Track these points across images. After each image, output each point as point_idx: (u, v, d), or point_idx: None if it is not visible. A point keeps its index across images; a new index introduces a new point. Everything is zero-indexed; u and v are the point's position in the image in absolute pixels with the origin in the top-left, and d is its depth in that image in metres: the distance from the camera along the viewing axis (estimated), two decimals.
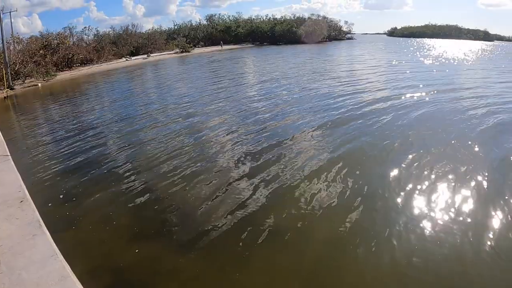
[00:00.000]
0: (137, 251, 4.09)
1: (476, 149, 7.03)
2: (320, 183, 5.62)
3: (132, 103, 13.48)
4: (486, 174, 5.88)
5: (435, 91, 13.09)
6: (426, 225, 4.46)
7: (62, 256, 3.59)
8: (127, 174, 6.34)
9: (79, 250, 4.16)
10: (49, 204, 5.26)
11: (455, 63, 26.72)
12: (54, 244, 3.75)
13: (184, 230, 4.51)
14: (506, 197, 5.07)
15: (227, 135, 8.39)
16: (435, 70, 21.37)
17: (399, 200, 5.10)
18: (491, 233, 4.27)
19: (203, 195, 5.38)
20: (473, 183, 5.55)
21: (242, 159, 6.82)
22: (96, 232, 4.54)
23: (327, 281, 3.62)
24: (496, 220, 4.52)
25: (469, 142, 7.35)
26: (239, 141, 7.90)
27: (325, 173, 5.96)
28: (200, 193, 5.47)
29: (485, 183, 5.57)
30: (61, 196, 5.56)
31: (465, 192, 5.28)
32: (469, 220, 4.54)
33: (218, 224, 4.56)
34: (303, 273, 3.72)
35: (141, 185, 5.83)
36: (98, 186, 5.86)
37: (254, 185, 5.66)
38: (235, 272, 3.74)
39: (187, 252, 4.06)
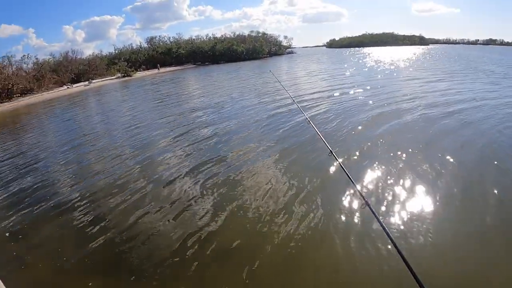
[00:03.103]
0: (90, 284, 4.09)
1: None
2: (271, 197, 5.75)
3: (76, 132, 13.34)
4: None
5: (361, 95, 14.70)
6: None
7: None
8: (74, 206, 6.19)
9: None
10: None
11: (383, 68, 30.42)
12: (3, 285, 3.75)
13: (137, 259, 4.44)
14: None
15: (175, 158, 8.40)
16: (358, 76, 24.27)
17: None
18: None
19: (155, 222, 5.32)
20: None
21: (193, 181, 6.82)
22: (46, 269, 4.44)
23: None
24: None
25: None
26: (188, 163, 7.90)
27: (274, 187, 6.12)
28: (152, 220, 5.40)
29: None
30: (7, 234, 5.41)
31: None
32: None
33: (173, 250, 4.51)
34: None
35: (90, 216, 5.72)
36: (45, 222, 5.72)
37: (206, 205, 5.70)
38: None
39: (143, 283, 4.06)
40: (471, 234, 4.31)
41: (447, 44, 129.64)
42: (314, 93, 16.37)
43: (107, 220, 5.50)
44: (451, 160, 6.55)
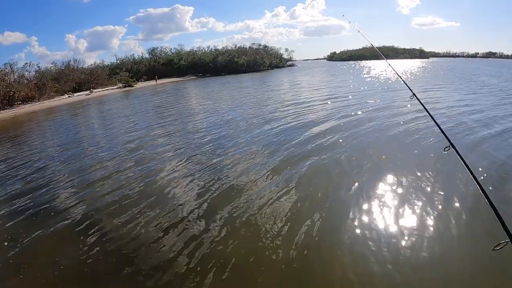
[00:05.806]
0: None
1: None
2: (272, 209, 5.69)
3: (77, 141, 13.34)
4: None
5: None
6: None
7: None
8: (73, 215, 6.15)
9: None
10: None
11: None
12: None
13: (136, 269, 4.40)
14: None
15: (175, 167, 8.40)
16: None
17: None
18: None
19: (155, 232, 5.26)
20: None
21: (193, 190, 6.80)
22: (44, 278, 4.39)
23: None
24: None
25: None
26: (188, 172, 7.93)
27: (276, 198, 6.07)
28: (152, 230, 5.34)
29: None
30: (5, 243, 5.33)
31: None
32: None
33: (173, 261, 4.48)
34: None
35: (89, 226, 5.68)
36: (43, 230, 5.68)
37: (207, 216, 5.62)
38: None
39: None
40: None
41: (447, 58, 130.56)
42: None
43: (104, 230, 5.48)
44: None
